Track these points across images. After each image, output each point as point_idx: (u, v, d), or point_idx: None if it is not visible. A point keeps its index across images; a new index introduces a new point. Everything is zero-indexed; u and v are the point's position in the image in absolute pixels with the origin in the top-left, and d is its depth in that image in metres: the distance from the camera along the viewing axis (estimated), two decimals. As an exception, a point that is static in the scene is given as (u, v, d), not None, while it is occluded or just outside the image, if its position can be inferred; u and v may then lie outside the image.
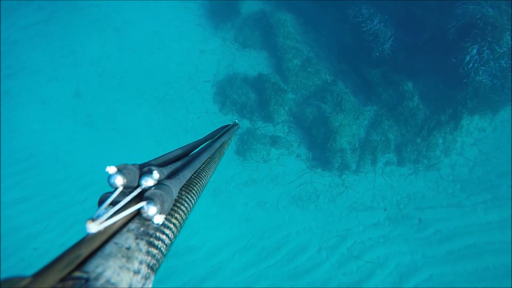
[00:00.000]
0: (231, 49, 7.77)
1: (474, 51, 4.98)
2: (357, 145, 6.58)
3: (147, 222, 0.52)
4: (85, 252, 0.41)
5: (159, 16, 7.99)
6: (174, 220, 0.60)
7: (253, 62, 7.65)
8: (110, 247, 0.44)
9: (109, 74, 7.41)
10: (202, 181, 0.81)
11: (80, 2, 8.07)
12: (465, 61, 5.14)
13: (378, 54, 6.20)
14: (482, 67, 5.03)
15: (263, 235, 6.29)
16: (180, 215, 0.63)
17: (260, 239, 6.26)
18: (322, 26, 7.48)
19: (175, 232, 0.59)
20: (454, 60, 5.00)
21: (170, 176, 0.64)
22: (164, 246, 0.53)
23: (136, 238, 0.48)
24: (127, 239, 0.47)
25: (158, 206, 0.52)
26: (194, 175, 0.80)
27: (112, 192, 0.51)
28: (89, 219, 0.43)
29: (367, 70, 6.63)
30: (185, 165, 0.73)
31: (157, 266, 0.51)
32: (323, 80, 7.10)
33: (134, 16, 7.97)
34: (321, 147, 6.65)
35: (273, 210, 6.47)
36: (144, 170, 0.58)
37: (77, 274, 0.38)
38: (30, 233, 6.02)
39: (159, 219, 0.52)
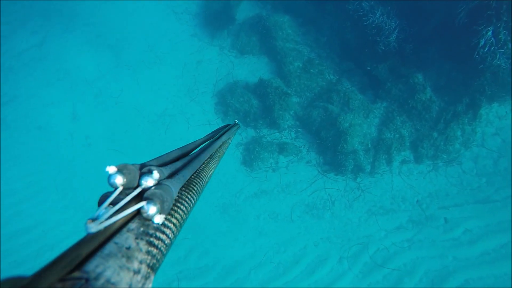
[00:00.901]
0: (229, 57, 7.48)
1: (490, 33, 4.60)
2: (369, 145, 6.18)
3: (147, 222, 0.51)
4: (85, 252, 0.40)
5: (152, 30, 7.77)
6: (174, 220, 0.59)
7: (253, 69, 7.35)
8: (110, 247, 0.43)
9: (106, 93, 7.16)
10: (202, 181, 0.81)
11: (72, 24, 7.90)
12: (480, 45, 4.76)
13: (383, 48, 5.86)
14: (499, 50, 4.64)
15: (279, 249, 5.89)
16: (180, 215, 0.62)
17: (276, 253, 5.86)
18: (322, 25, 7.17)
19: (175, 232, 0.58)
20: (478, 49, 4.58)
21: (170, 176, 0.64)
22: (164, 246, 0.52)
23: (136, 238, 0.47)
24: (127, 239, 0.46)
25: (158, 206, 0.51)
26: (194, 175, 0.80)
27: (112, 192, 0.50)
28: (89, 219, 0.42)
29: (373, 65, 6.27)
30: (185, 165, 0.73)
31: (157, 266, 0.50)
32: (328, 80, 6.75)
33: (127, 33, 7.76)
34: (332, 150, 6.26)
35: (287, 222, 6.07)
36: (144, 170, 0.58)
37: (77, 274, 0.36)
38: (32, 267, 5.67)
39: (159, 219, 0.51)
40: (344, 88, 6.51)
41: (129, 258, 0.44)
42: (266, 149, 6.47)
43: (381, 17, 5.83)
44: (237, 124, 1.57)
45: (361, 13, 6.04)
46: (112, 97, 7.18)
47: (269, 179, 6.36)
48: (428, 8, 5.75)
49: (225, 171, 6.52)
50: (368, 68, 6.16)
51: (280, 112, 6.49)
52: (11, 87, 7.25)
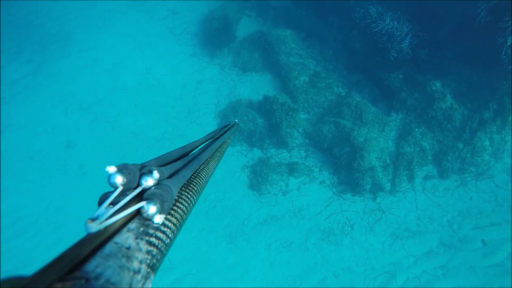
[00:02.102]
0: (230, 75, 7.09)
1: (519, 29, 4.10)
2: (388, 161, 5.60)
3: (147, 222, 0.51)
4: (85, 252, 0.39)
5: (150, 52, 7.45)
6: (174, 220, 0.58)
7: (256, 86, 6.92)
8: (110, 247, 0.42)
9: (102, 118, 6.74)
10: (202, 181, 0.80)
11: (68, 49, 7.62)
12: (508, 44, 4.25)
13: (396, 55, 5.39)
14: (532, 47, 4.13)
15: (294, 282, 5.21)
16: (180, 215, 0.61)
17: (291, 288, 5.13)
18: (326, 37, 6.78)
19: (175, 231, 0.58)
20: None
21: (170, 176, 0.63)
22: (164, 245, 0.52)
23: (136, 238, 0.47)
24: (127, 238, 0.46)
25: (158, 205, 0.51)
26: (194, 175, 0.79)
27: (112, 192, 0.50)
28: (89, 218, 0.42)
29: (385, 75, 5.80)
30: (185, 165, 0.73)
31: (157, 265, 0.50)
32: (336, 94, 6.27)
33: (124, 56, 7.44)
34: (346, 169, 5.67)
35: (301, 250, 5.40)
36: (144, 170, 0.57)
37: (77, 274, 0.36)
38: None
39: (159, 218, 0.51)
40: (355, 101, 6.01)
41: (129, 258, 0.43)
42: (274, 171, 5.89)
43: (391, 23, 5.40)
44: (237, 124, 1.57)
45: (369, 21, 5.63)
46: (108, 122, 6.74)
47: (279, 204, 5.75)
48: (441, 11, 5.33)
49: (230, 196, 5.93)
50: (383, 75, 5.66)
51: (288, 129, 5.97)
52: (3, 117, 6.85)
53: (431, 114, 5.53)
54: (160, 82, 7.18)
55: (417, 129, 5.68)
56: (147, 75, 7.26)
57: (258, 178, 5.96)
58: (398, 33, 5.38)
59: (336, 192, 5.78)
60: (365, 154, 5.42)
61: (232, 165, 6.25)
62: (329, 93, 6.34)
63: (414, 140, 5.64)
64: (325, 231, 5.53)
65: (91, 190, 6.11)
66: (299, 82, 6.45)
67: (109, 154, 6.42)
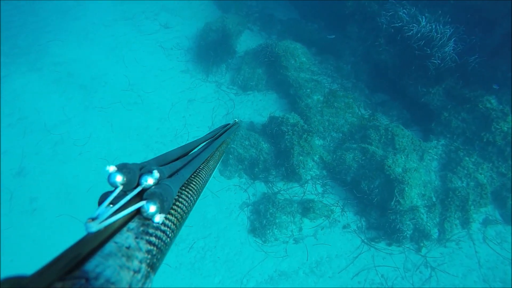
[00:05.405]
0: (228, 94, 5.88)
1: None
2: (434, 199, 4.17)
3: (147, 221, 0.48)
4: (85, 251, 0.37)
5: (134, 67, 6.32)
6: (174, 219, 0.56)
7: (259, 107, 5.69)
8: (110, 246, 0.40)
9: (69, 141, 5.39)
10: (202, 180, 0.78)
11: (40, 63, 6.47)
12: None
13: (438, 62, 4.19)
14: None
15: None
16: (180, 214, 0.59)
17: None
18: (343, 51, 5.73)
19: (175, 231, 0.56)
20: None
21: (170, 175, 0.61)
22: (164, 245, 0.50)
23: (136, 237, 0.44)
24: (127, 238, 0.43)
25: (158, 205, 0.48)
26: (194, 174, 0.77)
27: (112, 192, 0.47)
28: (89, 218, 0.39)
29: (422, 90, 4.61)
30: (185, 164, 0.71)
31: (157, 265, 0.47)
32: (358, 115, 5.06)
33: (104, 71, 6.28)
34: (378, 208, 4.28)
35: (323, 324, 3.78)
36: (144, 169, 0.54)
37: (77, 273, 0.34)
38: None
39: (159, 218, 0.48)
40: (384, 124, 4.73)
41: (129, 257, 0.41)
42: (283, 211, 4.44)
43: (428, 25, 4.28)
44: (237, 123, 1.55)
45: (399, 24, 4.52)
46: (75, 145, 5.33)
47: (290, 255, 4.23)
48: (491, 11, 4.24)
49: (225, 243, 4.40)
50: (420, 90, 4.44)
51: (301, 157, 4.62)
52: None
53: (487, 138, 4.25)
54: (144, 100, 5.90)
55: (467, 158, 4.36)
56: (129, 91, 5.99)
57: (262, 219, 4.47)
58: (439, 35, 4.24)
59: (366, 240, 4.28)
60: (406, 188, 4.02)
61: (228, 202, 4.79)
62: (350, 115, 5.08)
63: (466, 172, 4.29)
64: (354, 296, 3.95)
65: (40, 232, 4.53)
66: (312, 102, 5.22)
67: (70, 186, 4.93)
